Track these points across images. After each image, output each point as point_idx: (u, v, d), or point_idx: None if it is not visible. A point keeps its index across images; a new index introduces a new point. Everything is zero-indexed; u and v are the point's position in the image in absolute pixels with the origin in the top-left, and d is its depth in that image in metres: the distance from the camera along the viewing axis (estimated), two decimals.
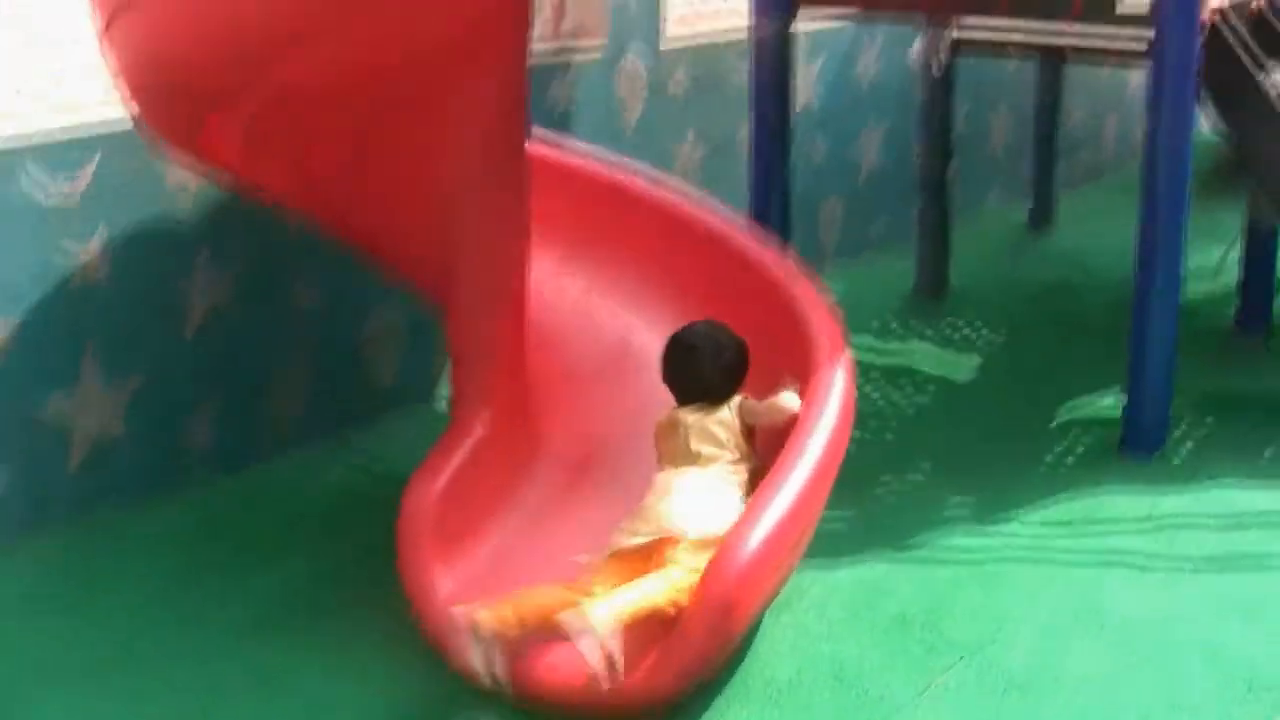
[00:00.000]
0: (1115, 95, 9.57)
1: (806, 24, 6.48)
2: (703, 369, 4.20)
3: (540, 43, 5.75)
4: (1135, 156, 5.16)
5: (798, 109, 6.38)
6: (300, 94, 3.64)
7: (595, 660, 3.48)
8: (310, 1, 3.39)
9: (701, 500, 3.94)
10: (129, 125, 4.46)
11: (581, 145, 5.59)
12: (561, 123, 5.94)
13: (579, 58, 6.04)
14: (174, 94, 3.96)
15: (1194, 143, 5.12)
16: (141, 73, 4.01)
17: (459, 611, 3.66)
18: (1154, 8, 5.01)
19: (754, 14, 5.81)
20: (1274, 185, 5.51)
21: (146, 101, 4.12)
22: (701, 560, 3.64)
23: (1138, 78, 5.24)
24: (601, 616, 3.51)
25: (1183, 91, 5.04)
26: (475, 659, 3.61)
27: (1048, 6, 5.37)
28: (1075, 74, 8.43)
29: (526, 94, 4.27)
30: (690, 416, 4.15)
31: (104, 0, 3.90)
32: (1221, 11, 5.38)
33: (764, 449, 4.11)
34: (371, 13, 3.39)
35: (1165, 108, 5.04)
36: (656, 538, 3.83)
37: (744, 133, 6.31)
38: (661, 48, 6.40)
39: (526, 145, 4.21)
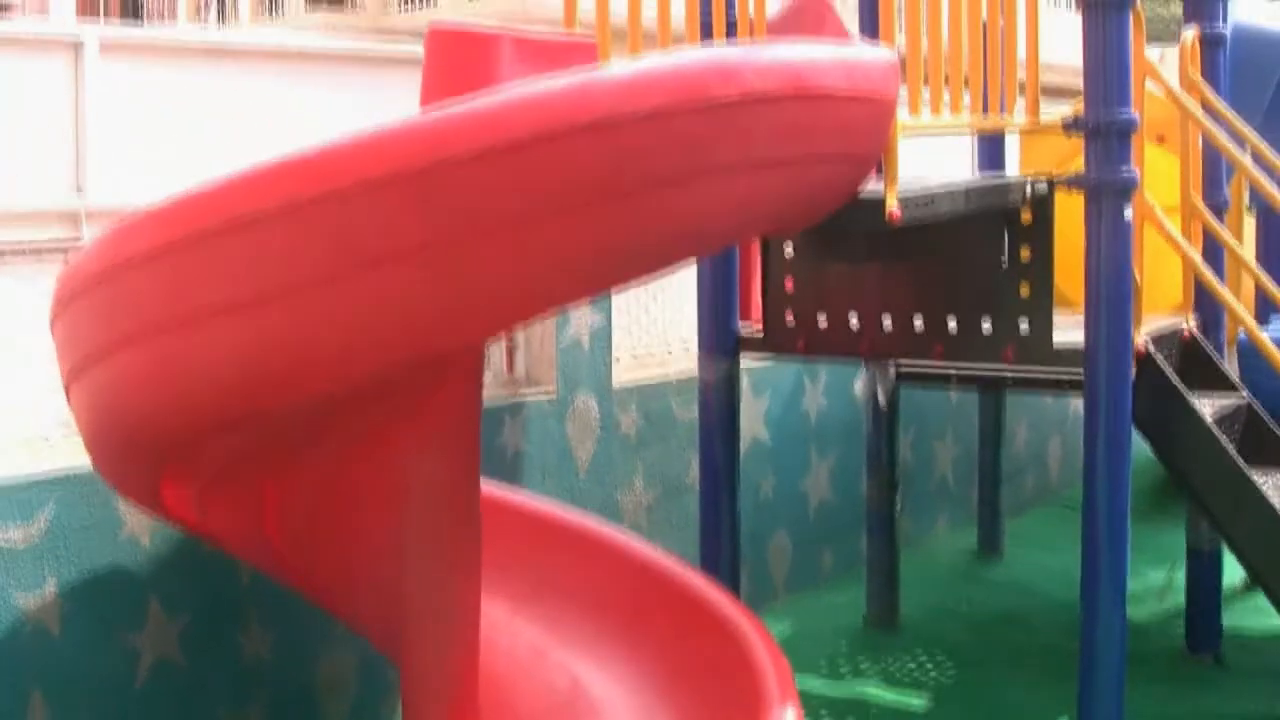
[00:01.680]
0: (1058, 419, 9.79)
1: (753, 362, 6.65)
2: None
3: (491, 390, 5.89)
4: (1080, 478, 5.27)
5: (746, 445, 6.51)
6: (253, 457, 3.73)
7: None
8: (274, 365, 3.48)
9: None
10: (87, 469, 4.51)
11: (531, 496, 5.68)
12: (514, 463, 6.04)
13: (530, 400, 6.17)
14: (130, 450, 4.02)
15: (1133, 465, 5.24)
16: (99, 428, 4.08)
17: None
18: (1085, 345, 5.18)
19: (701, 356, 5.95)
20: (1214, 509, 5.60)
21: (103, 456, 4.18)
22: None
23: (1079, 401, 5.44)
24: None
25: (1118, 425, 5.17)
26: None
27: (981, 351, 5.52)
28: (1018, 400, 8.64)
29: (478, 441, 4.39)
30: None
31: (67, 354, 3.99)
32: (1154, 339, 5.56)
33: None
34: (328, 378, 3.50)
35: (1101, 439, 5.16)
36: None
37: (694, 471, 6.42)
38: (614, 387, 6.53)
39: (479, 491, 4.29)
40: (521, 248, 3.34)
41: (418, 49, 4.89)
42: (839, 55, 4.00)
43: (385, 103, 5.56)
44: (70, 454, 4.82)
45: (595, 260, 3.53)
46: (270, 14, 30.89)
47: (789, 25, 4.93)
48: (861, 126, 4.08)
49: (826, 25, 5.06)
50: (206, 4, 32.72)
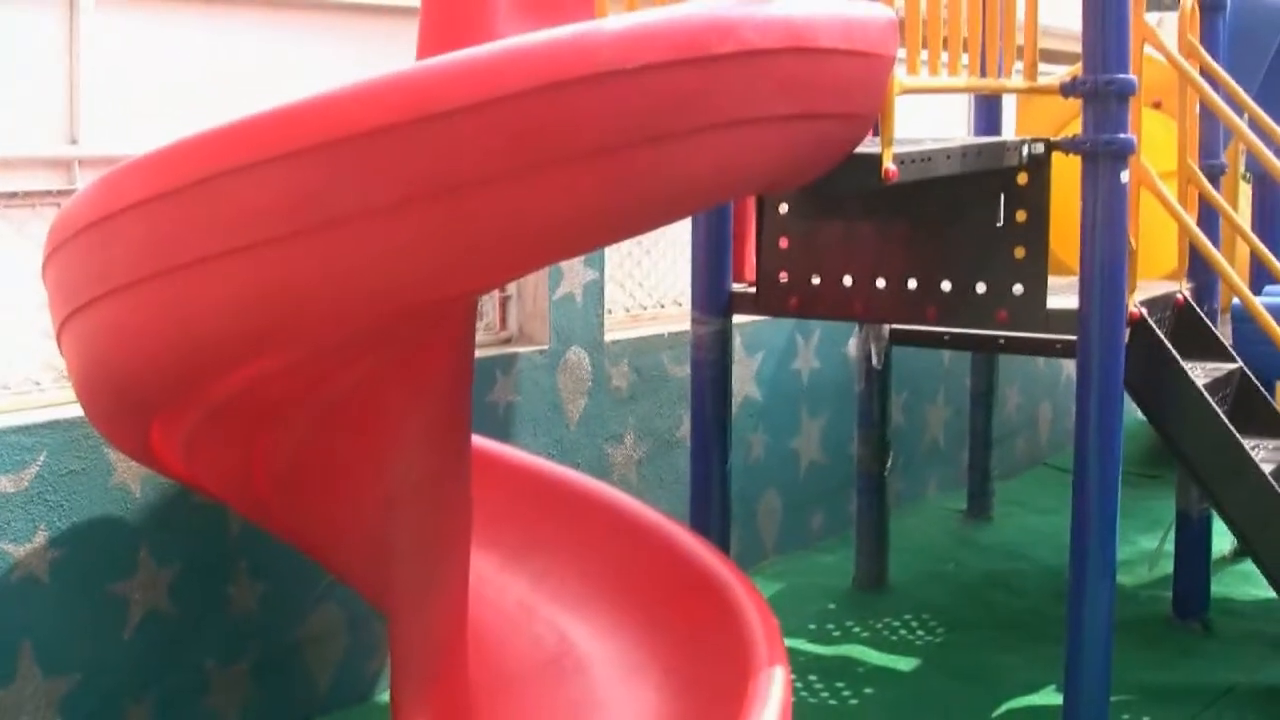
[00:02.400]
0: (1049, 383, 9.79)
1: (745, 319, 6.64)
2: None
3: (483, 343, 5.89)
4: (1071, 442, 5.27)
5: (737, 403, 6.51)
6: (246, 404, 3.72)
7: None
8: (266, 315, 3.47)
9: None
10: (78, 416, 4.51)
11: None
12: (505, 416, 6.04)
13: (522, 353, 6.16)
14: (119, 400, 4.02)
15: (1124, 430, 5.24)
16: (89, 377, 4.08)
17: None
18: (1079, 309, 5.17)
19: (694, 313, 5.94)
20: (1204, 475, 5.61)
21: (93, 405, 4.18)
22: None
23: (1071, 365, 5.43)
24: None
25: (1110, 389, 5.16)
26: None
27: (975, 314, 5.51)
28: (1009, 363, 8.64)
29: (469, 394, 4.38)
30: None
31: (58, 302, 3.98)
32: (1147, 304, 5.56)
33: None
34: (320, 330, 3.50)
35: (1093, 404, 5.16)
36: None
37: (685, 428, 6.42)
38: (606, 341, 6.53)
39: (470, 445, 4.29)
40: (516, 201, 3.33)
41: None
42: (837, 12, 3.98)
43: (384, 53, 5.55)
44: (61, 400, 4.82)
45: (590, 215, 3.52)
46: None
47: None
48: (859, 84, 4.06)
49: None
50: None
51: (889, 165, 4.32)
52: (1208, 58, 6.04)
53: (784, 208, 5.75)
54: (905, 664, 6.21)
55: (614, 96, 3.32)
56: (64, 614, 4.76)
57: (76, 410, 4.37)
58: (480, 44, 3.44)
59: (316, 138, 3.26)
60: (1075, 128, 5.21)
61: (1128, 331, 5.23)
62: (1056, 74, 7.27)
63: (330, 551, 4.46)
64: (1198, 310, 6.11)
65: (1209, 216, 6.11)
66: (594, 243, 4.85)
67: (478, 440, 4.90)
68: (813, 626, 6.59)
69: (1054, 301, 5.35)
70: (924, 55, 4.70)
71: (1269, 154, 5.97)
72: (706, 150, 3.55)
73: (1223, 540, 6.89)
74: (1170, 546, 6.79)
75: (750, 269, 5.95)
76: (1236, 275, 5.85)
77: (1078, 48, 5.07)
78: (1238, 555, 7.23)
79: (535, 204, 3.36)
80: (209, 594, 5.16)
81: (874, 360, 7.01)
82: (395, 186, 3.26)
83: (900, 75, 4.37)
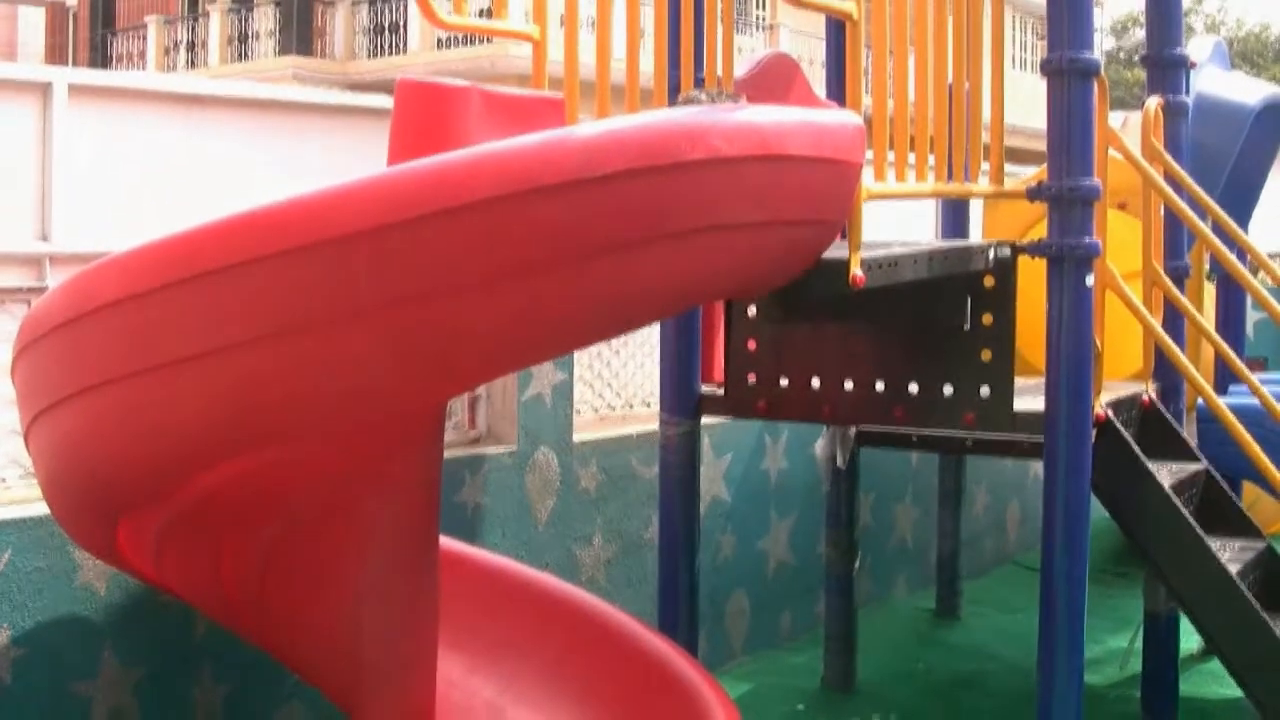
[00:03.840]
0: (1017, 481, 9.83)
1: (714, 420, 6.66)
2: None
3: (452, 444, 5.89)
4: (1039, 541, 5.29)
5: (706, 503, 6.51)
6: (214, 507, 3.71)
7: None
8: (235, 417, 3.47)
9: None
10: (43, 514, 4.48)
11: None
12: (473, 517, 6.03)
13: (490, 454, 6.16)
14: (86, 499, 4.00)
15: (1092, 529, 5.26)
16: (56, 476, 4.06)
17: None
18: (1045, 411, 5.20)
19: (662, 415, 5.96)
20: (1171, 576, 5.62)
21: (60, 504, 4.16)
22: None
23: (1039, 464, 5.46)
24: None
25: (1076, 490, 5.19)
26: None
27: (942, 416, 5.54)
28: (977, 462, 8.66)
29: (438, 496, 4.38)
30: None
31: (27, 400, 3.97)
32: (1113, 405, 5.60)
33: None
34: (289, 433, 3.50)
35: (1059, 504, 5.18)
36: None
37: (654, 528, 6.42)
38: (574, 441, 6.53)
39: (438, 546, 4.28)
40: (484, 309, 3.34)
41: (386, 100, 4.90)
42: (805, 119, 4.02)
43: (354, 153, 5.59)
44: (27, 497, 4.80)
45: (558, 322, 3.53)
46: (240, 58, 31.03)
47: (757, 85, 4.96)
48: (828, 191, 4.10)
49: (794, 86, 5.09)
50: (175, 47, 32.83)
51: (856, 271, 4.35)
52: (1171, 161, 6.12)
53: (752, 310, 5.79)
54: None
55: (584, 203, 3.34)
56: (26, 715, 4.71)
57: (42, 508, 4.34)
58: (452, 150, 3.47)
59: (287, 242, 3.27)
60: (1042, 228, 5.27)
61: (1094, 433, 5.27)
62: (1023, 175, 7.36)
63: (297, 652, 4.43)
64: (1163, 411, 6.15)
65: (1174, 317, 6.16)
66: (563, 348, 4.86)
67: (446, 541, 4.88)
68: None
69: (1021, 403, 5.39)
70: (891, 156, 4.75)
71: (1231, 257, 6.04)
72: (676, 256, 3.57)
73: (1191, 639, 6.89)
74: (1139, 645, 6.79)
75: (719, 371, 5.97)
76: (1201, 377, 5.90)
77: (1043, 146, 5.14)
78: (1205, 654, 7.23)
79: (505, 310, 3.37)
80: (173, 695, 5.11)
81: (841, 461, 7.02)
82: (364, 292, 3.27)
83: (868, 181, 4.42)
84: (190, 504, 3.75)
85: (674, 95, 4.86)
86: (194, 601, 4.43)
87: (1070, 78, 5.12)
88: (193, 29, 32.71)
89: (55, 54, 39.97)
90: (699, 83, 4.92)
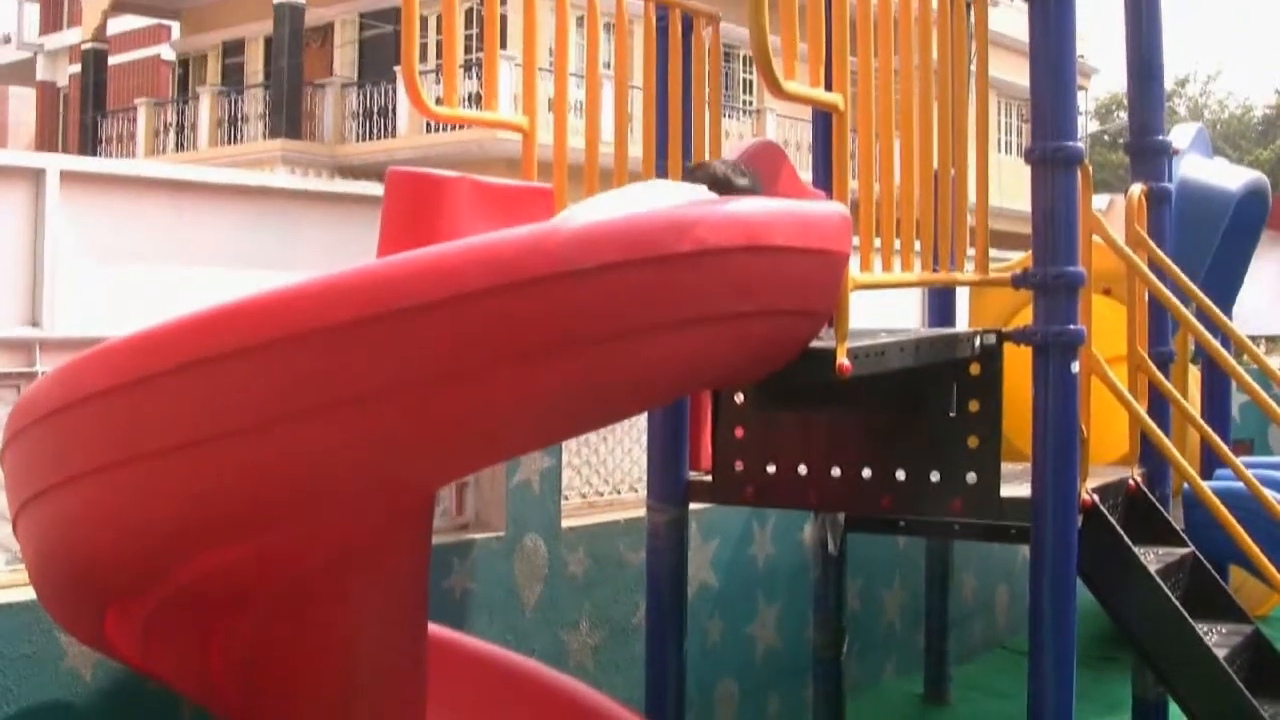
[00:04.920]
0: (1006, 566, 9.82)
1: (702, 505, 6.66)
2: None
3: (440, 530, 5.88)
4: (1027, 624, 5.28)
5: (693, 589, 6.50)
6: (202, 596, 3.71)
7: None
8: (220, 508, 3.48)
9: None
10: (30, 599, 4.47)
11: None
12: (461, 603, 6.02)
13: (478, 540, 6.16)
14: (74, 586, 4.00)
15: (1080, 613, 5.26)
16: (44, 563, 4.06)
17: None
18: (1032, 497, 5.22)
19: (650, 502, 5.96)
20: (1159, 661, 5.62)
21: (47, 590, 4.15)
22: None
23: (1026, 548, 5.48)
24: None
25: (1064, 575, 5.20)
26: None
27: (929, 502, 5.55)
28: (965, 547, 8.67)
29: (426, 584, 4.38)
30: None
31: (15, 487, 3.97)
32: (1100, 490, 5.61)
33: None
34: (279, 521, 3.50)
35: (1047, 590, 5.19)
36: None
37: (641, 614, 6.40)
38: (562, 527, 6.53)
39: (427, 632, 4.27)
40: (472, 400, 3.36)
41: (377, 188, 4.94)
42: (792, 210, 4.06)
43: (345, 240, 5.62)
44: (13, 582, 4.78)
45: (545, 413, 3.55)
46: (229, 140, 31.19)
47: None
48: (814, 281, 4.12)
49: (782, 174, 5.13)
50: (165, 129, 33.00)
51: (843, 360, 4.37)
52: (1155, 248, 6.17)
53: (739, 398, 5.80)
54: None
55: (572, 295, 3.36)
56: None
57: (29, 594, 4.33)
58: (442, 239, 3.50)
59: (277, 332, 3.29)
60: (1028, 314, 5.31)
61: (1080, 518, 5.28)
62: (1009, 260, 7.41)
63: None
64: (1149, 496, 6.17)
65: (1159, 402, 6.19)
66: (551, 438, 4.88)
67: (434, 628, 4.87)
68: None
69: (1008, 489, 5.40)
70: (877, 243, 4.78)
71: (1214, 342, 6.08)
72: (663, 347, 3.59)
73: None
74: None
75: (706, 457, 5.98)
76: (1186, 461, 5.92)
77: (1027, 228, 5.18)
78: None
79: (491, 402, 3.38)
80: None
81: (829, 546, 7.03)
82: (355, 382, 3.28)
83: (854, 270, 4.45)
84: (178, 593, 3.75)
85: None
86: (182, 689, 4.41)
87: (1054, 166, 5.17)
88: (182, 112, 32.91)
89: (45, 135, 40.18)
90: (688, 171, 4.96)
